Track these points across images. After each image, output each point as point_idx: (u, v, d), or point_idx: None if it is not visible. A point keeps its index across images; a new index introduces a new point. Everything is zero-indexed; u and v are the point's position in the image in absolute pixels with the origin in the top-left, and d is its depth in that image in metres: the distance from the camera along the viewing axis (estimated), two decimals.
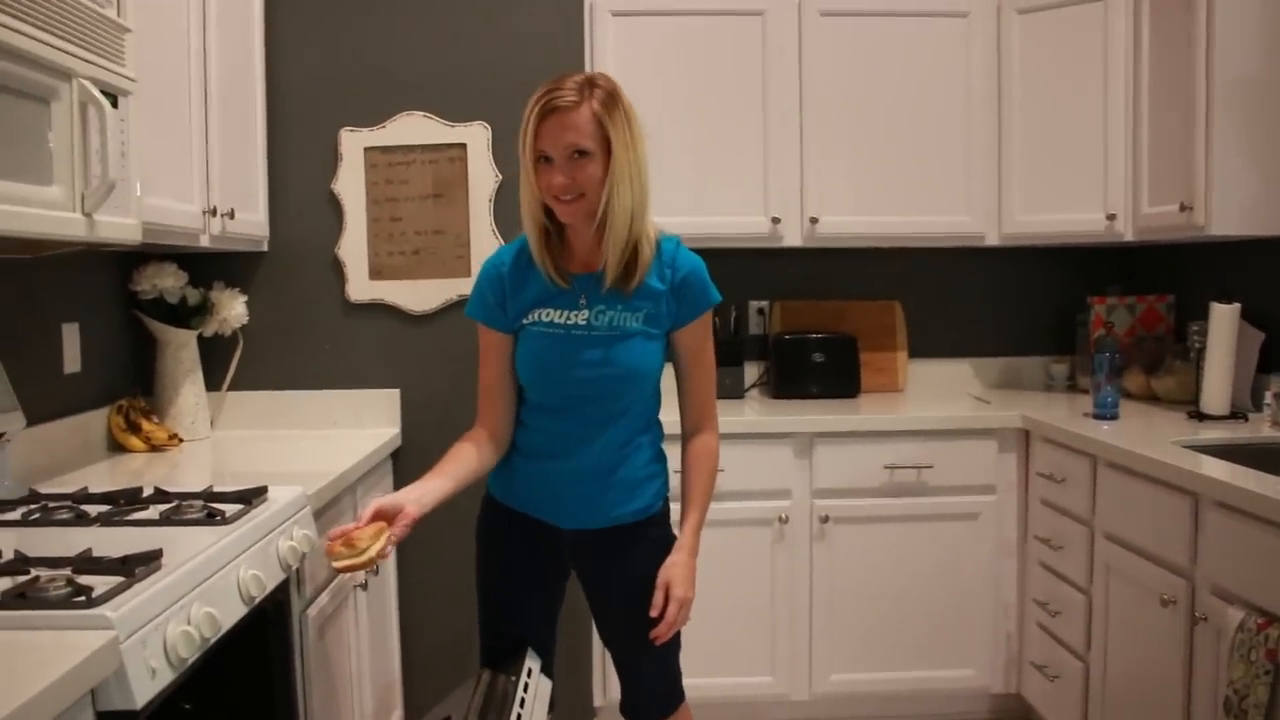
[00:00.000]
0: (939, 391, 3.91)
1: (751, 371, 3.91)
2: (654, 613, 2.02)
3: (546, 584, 2.20)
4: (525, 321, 2.08)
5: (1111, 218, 3.37)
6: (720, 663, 3.30)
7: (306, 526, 2.14)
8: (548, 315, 2.06)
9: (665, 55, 3.51)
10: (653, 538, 2.15)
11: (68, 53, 1.80)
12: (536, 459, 2.11)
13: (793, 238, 3.59)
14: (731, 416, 3.35)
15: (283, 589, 2.04)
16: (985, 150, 3.59)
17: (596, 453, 2.07)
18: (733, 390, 3.76)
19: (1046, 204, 3.53)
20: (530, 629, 2.19)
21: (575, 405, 2.05)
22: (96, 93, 1.86)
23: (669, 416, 2.21)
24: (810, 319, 3.89)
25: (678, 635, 2.18)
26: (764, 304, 3.96)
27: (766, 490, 3.30)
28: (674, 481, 2.24)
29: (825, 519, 3.29)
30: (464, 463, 2.05)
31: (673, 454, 2.24)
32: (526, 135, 1.96)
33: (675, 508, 2.22)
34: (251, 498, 2.03)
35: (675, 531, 2.20)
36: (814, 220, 3.56)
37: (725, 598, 3.29)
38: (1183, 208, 3.05)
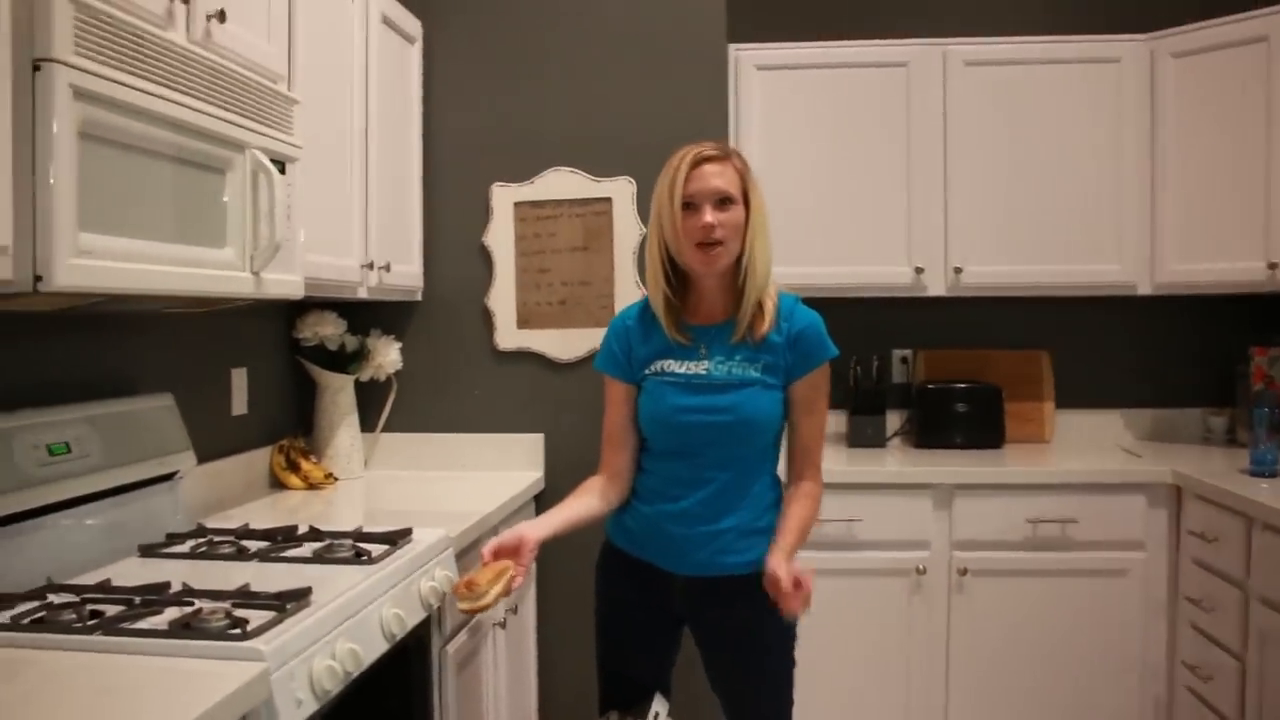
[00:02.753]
0: (1087, 443, 3.80)
1: (894, 420, 3.89)
2: (777, 599, 1.94)
3: (660, 629, 2.24)
4: (647, 372, 2.17)
5: (1274, 266, 3.23)
6: (854, 712, 3.28)
7: (448, 567, 2.24)
8: (669, 366, 2.15)
9: (809, 108, 3.57)
10: (766, 592, 2.17)
11: (243, 126, 1.97)
12: (652, 503, 2.17)
13: (936, 287, 3.57)
14: (871, 466, 3.35)
15: (423, 626, 2.14)
16: (1137, 197, 3.51)
17: (710, 499, 2.11)
18: (874, 439, 3.75)
19: (1203, 252, 3.41)
20: (644, 673, 2.25)
21: (693, 451, 2.11)
22: (267, 161, 2.02)
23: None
24: (955, 368, 3.85)
25: (790, 697, 2.20)
26: (908, 353, 3.94)
27: (904, 541, 3.27)
28: None
29: (964, 571, 3.24)
30: (584, 500, 2.18)
31: None
32: (674, 184, 2.07)
33: None
34: (397, 539, 2.15)
35: None
36: (958, 270, 3.54)
37: (860, 648, 3.28)
38: None
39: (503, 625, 2.78)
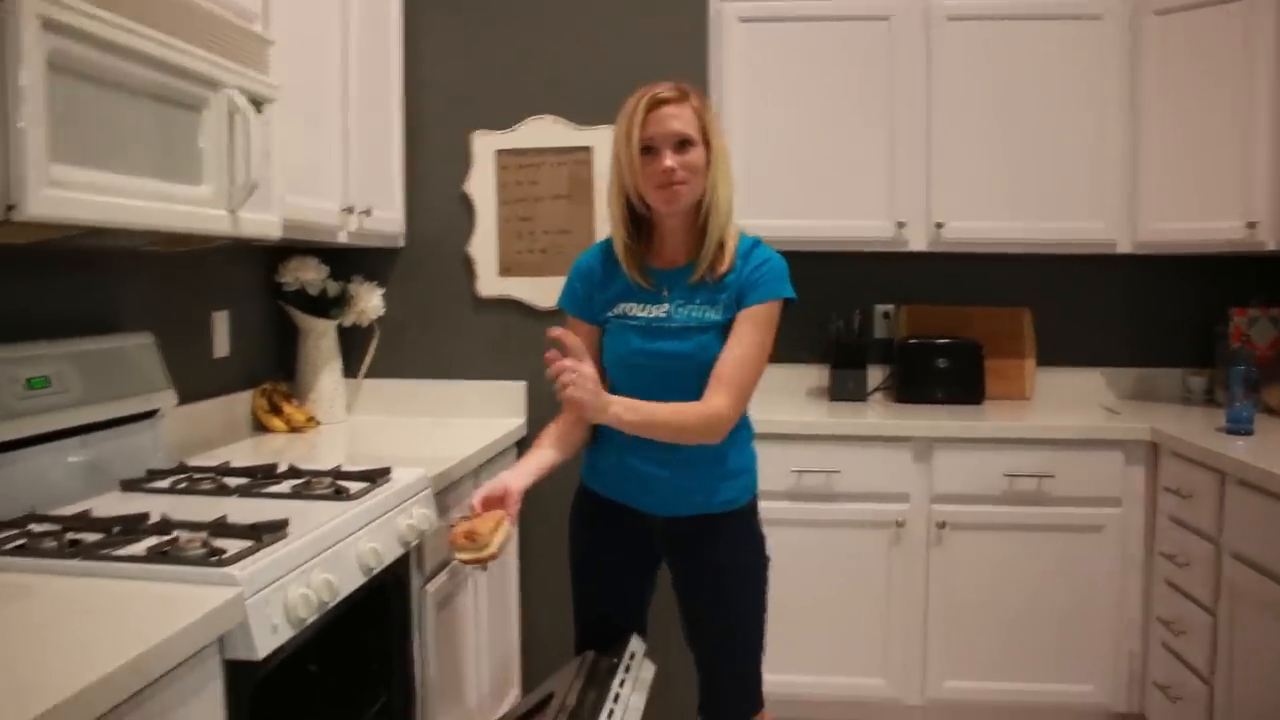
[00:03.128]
0: (1068, 401, 3.83)
1: (875, 375, 3.91)
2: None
3: (635, 570, 2.28)
4: (610, 314, 2.19)
5: (1253, 225, 3.25)
6: (833, 663, 3.33)
7: (426, 506, 2.26)
8: (631, 310, 2.16)
9: (790, 60, 3.56)
10: (738, 530, 2.20)
11: (216, 64, 1.96)
12: (622, 447, 2.18)
13: (918, 242, 3.58)
14: (852, 419, 3.38)
15: (402, 564, 2.17)
16: (1119, 155, 3.51)
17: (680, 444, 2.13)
18: (855, 393, 3.78)
19: (1183, 211, 3.42)
20: (621, 614, 2.28)
21: (658, 396, 2.10)
22: (242, 101, 2.02)
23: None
24: (936, 324, 3.88)
25: (760, 642, 2.23)
26: (889, 308, 3.96)
27: (884, 494, 3.30)
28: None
29: (943, 525, 3.27)
30: (552, 447, 2.19)
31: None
32: (631, 128, 2.06)
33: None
34: (376, 477, 2.17)
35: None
36: (939, 225, 3.54)
37: (840, 598, 3.32)
38: None
39: (484, 568, 2.81)
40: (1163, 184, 3.46)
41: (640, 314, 2.15)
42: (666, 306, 2.13)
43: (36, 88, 1.51)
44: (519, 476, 2.09)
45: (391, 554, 2.05)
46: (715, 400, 2.05)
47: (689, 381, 2.09)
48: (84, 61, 1.62)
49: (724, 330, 2.10)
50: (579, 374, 1.91)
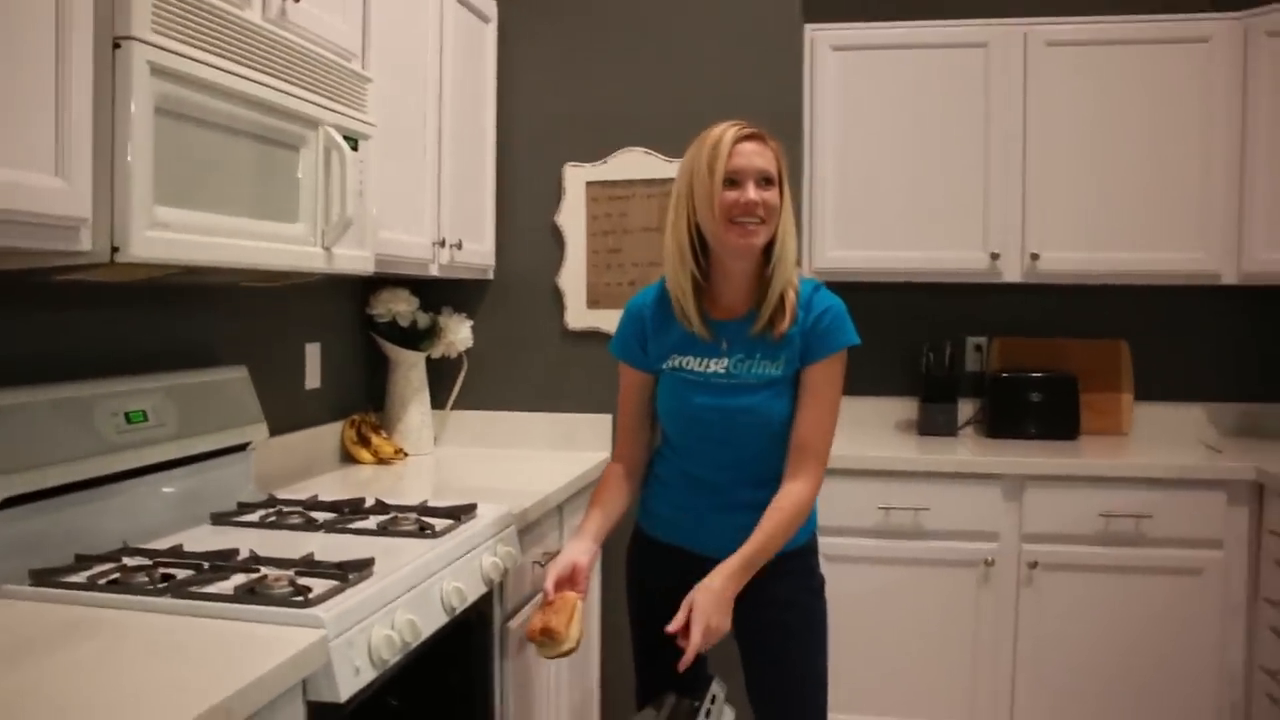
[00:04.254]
0: (1167, 437, 3.71)
1: (966, 410, 3.83)
2: (672, 628, 1.92)
3: None
4: (665, 366, 2.13)
5: None
6: (916, 706, 3.25)
7: (510, 544, 2.26)
8: (688, 363, 2.10)
9: (886, 89, 3.53)
10: (794, 569, 2.12)
11: (316, 104, 2.00)
12: (680, 488, 2.14)
13: (1012, 274, 3.51)
14: (942, 455, 3.30)
15: (485, 601, 2.16)
16: (1225, 182, 3.39)
17: (738, 483, 2.08)
18: (945, 428, 3.70)
19: None
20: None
21: (718, 450, 2.06)
22: (339, 139, 2.06)
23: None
24: (1030, 357, 3.78)
25: (824, 687, 2.14)
26: (982, 340, 3.88)
27: (973, 532, 3.22)
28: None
29: (1034, 564, 3.18)
30: (614, 501, 2.18)
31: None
32: (715, 159, 1.99)
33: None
34: (461, 514, 2.18)
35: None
36: (1035, 256, 3.47)
37: (926, 638, 3.24)
38: None
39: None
40: (1271, 213, 3.34)
41: (698, 368, 2.08)
42: (726, 361, 2.07)
43: (144, 132, 1.55)
44: (584, 551, 2.06)
45: (475, 592, 2.05)
46: (807, 478, 2.03)
47: (751, 435, 2.05)
48: (190, 104, 1.66)
49: (787, 384, 2.05)
50: (706, 631, 1.89)
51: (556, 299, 3.34)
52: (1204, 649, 3.15)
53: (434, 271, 2.83)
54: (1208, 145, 3.41)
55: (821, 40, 3.52)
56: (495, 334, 3.37)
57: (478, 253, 3.14)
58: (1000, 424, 3.65)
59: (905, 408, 3.88)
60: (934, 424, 3.71)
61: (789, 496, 2.02)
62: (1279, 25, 3.31)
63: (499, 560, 2.16)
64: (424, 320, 3.18)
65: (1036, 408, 3.62)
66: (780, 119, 3.15)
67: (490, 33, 3.22)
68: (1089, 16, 3.48)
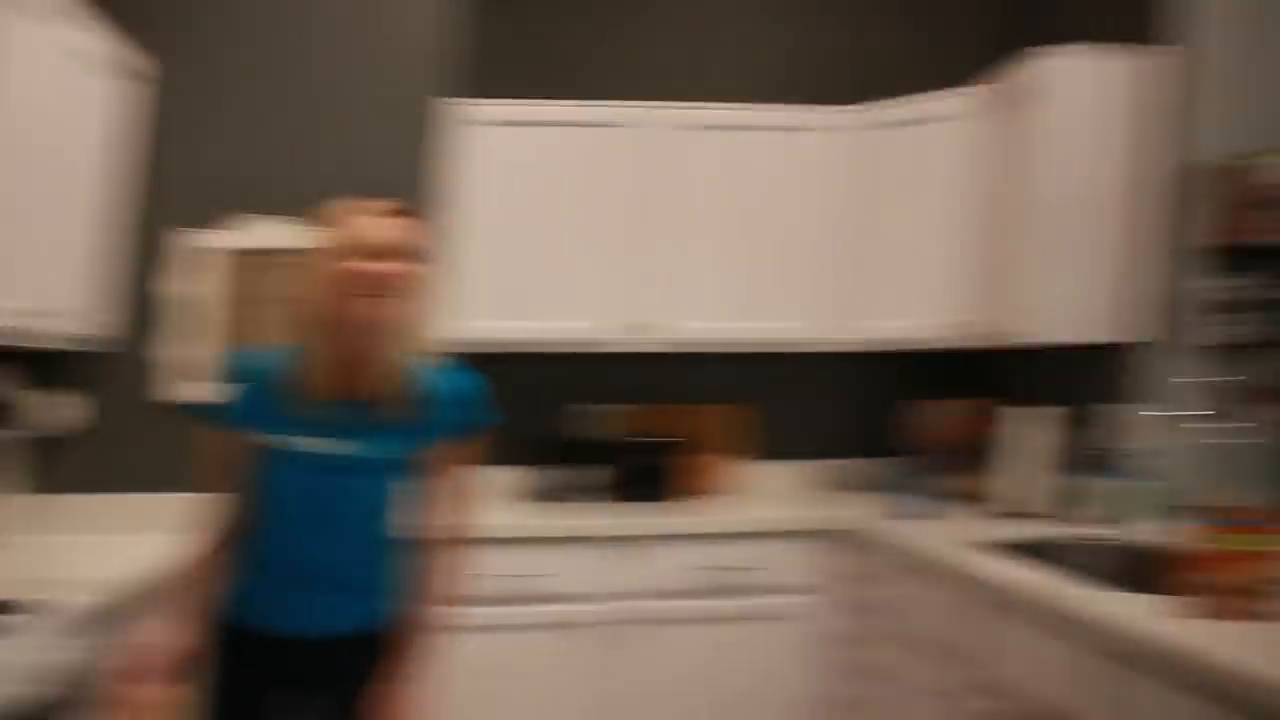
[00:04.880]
0: (787, 492, 4.00)
1: (588, 476, 3.80)
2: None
3: (293, 704, 2.04)
4: (272, 441, 2.02)
5: (947, 325, 3.55)
6: None
7: (87, 637, 2.09)
8: (300, 442, 2.01)
9: (532, 164, 3.63)
10: (380, 650, 2.07)
11: None
12: (270, 569, 2.03)
13: (649, 343, 3.68)
14: (557, 520, 3.38)
15: (51, 711, 1.99)
16: (846, 257, 3.74)
17: (343, 569, 2.04)
18: (565, 493, 3.74)
19: (885, 310, 3.68)
20: None
21: (319, 535, 2.01)
22: None
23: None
24: (662, 423, 3.93)
25: None
26: (605, 408, 3.96)
27: (583, 594, 3.30)
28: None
29: (639, 621, 3.31)
30: (212, 578, 2.05)
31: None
32: (356, 233, 1.96)
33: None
34: (26, 608, 1.99)
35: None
36: (651, 325, 3.65)
37: (538, 704, 3.26)
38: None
39: None
40: (881, 286, 3.70)
41: (311, 447, 2.00)
42: (346, 442, 2.00)
43: None
44: (186, 632, 1.94)
45: (38, 698, 1.88)
46: (450, 554, 2.09)
47: (360, 520, 2.03)
48: None
49: (413, 465, 2.05)
50: None
51: (162, 370, 3.15)
52: (793, 685, 3.41)
53: (20, 341, 2.58)
54: (830, 223, 3.75)
55: (474, 115, 3.55)
56: (106, 409, 3.14)
57: (70, 320, 2.85)
58: (622, 487, 3.74)
59: (522, 474, 3.86)
60: (558, 490, 3.76)
61: (436, 565, 2.07)
62: (890, 118, 3.70)
63: (70, 658, 1.99)
64: (13, 396, 2.90)
65: (654, 472, 3.76)
66: (420, 189, 3.26)
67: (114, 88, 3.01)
68: (725, 103, 3.75)
